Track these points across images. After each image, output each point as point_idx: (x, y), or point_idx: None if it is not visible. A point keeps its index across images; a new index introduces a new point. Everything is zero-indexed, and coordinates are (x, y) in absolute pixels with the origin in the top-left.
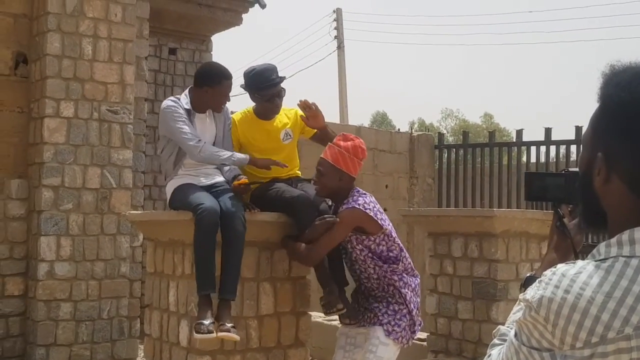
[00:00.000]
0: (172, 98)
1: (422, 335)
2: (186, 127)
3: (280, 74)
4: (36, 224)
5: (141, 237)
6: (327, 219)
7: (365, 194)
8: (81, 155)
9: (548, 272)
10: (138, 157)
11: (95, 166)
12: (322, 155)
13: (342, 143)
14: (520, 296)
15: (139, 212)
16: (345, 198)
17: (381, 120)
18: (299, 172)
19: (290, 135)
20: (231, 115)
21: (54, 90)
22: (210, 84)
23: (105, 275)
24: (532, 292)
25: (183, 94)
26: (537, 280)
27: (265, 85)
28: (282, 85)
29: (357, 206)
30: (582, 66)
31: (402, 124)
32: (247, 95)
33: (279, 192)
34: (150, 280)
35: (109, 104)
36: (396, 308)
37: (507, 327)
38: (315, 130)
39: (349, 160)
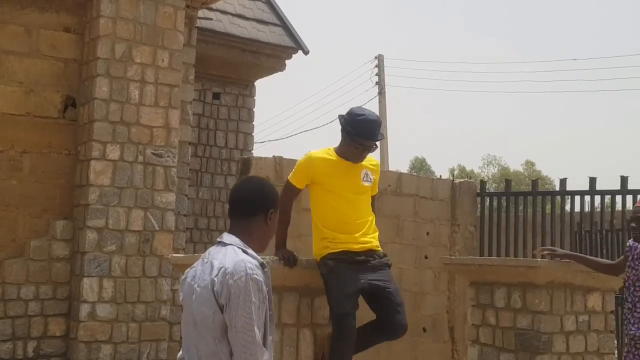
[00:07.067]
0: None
1: None
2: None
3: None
4: (79, 265)
5: None
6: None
7: None
8: (125, 197)
9: None
10: (181, 200)
11: (138, 208)
12: (639, 205)
13: None
14: None
15: (182, 255)
16: None
17: (420, 166)
18: (376, 240)
19: (369, 178)
20: (310, 152)
21: (101, 134)
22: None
23: (145, 317)
24: None
25: (236, 244)
26: None
27: (369, 138)
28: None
29: None
30: (627, 115)
31: (441, 170)
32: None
33: (339, 284)
34: None
35: (154, 147)
36: None
37: None
38: (376, 193)
39: None
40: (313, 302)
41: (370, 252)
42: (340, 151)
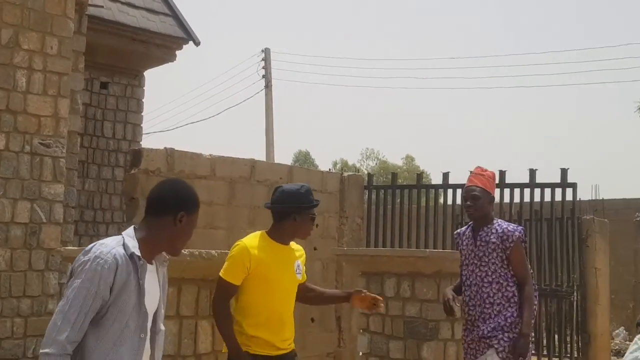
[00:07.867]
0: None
1: None
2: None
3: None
4: None
5: None
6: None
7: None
8: (11, 188)
9: None
10: (69, 191)
11: (25, 200)
12: (471, 184)
13: (484, 173)
14: (637, 337)
15: (74, 247)
16: (488, 223)
17: (304, 159)
18: (293, 343)
19: (300, 270)
20: (241, 241)
21: None
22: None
23: (32, 312)
24: None
25: (125, 234)
26: None
27: (314, 204)
28: None
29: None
30: (499, 110)
31: (324, 164)
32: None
33: None
34: None
35: (42, 137)
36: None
37: None
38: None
39: (493, 185)
40: (211, 294)
41: (289, 356)
42: (282, 235)
